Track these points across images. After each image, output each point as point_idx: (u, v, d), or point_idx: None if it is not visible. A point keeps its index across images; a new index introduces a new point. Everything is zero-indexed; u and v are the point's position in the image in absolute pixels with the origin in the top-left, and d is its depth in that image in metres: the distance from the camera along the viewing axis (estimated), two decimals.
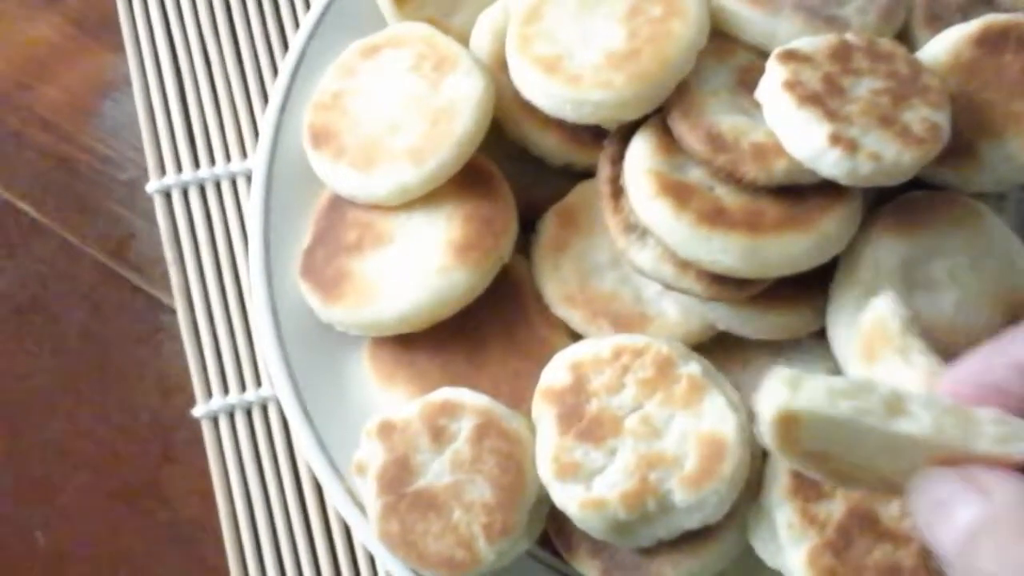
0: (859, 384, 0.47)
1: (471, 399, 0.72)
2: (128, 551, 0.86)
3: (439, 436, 0.71)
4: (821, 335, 0.74)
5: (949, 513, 0.46)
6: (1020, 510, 0.44)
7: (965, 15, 0.78)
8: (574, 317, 0.77)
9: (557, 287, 0.78)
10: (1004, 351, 0.50)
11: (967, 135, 0.73)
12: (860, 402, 0.46)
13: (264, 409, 0.88)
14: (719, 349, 0.76)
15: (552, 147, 0.80)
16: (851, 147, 0.66)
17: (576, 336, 0.77)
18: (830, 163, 0.67)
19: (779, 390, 0.46)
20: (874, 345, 0.55)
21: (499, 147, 0.81)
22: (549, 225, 0.80)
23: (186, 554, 0.86)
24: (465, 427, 0.71)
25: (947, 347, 0.68)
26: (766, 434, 0.48)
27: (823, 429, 0.46)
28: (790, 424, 0.46)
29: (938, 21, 0.78)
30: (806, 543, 0.66)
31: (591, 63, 0.73)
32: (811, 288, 0.73)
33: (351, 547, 0.85)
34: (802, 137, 0.68)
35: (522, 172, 0.82)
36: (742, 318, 0.74)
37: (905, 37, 0.78)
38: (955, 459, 0.46)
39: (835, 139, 0.66)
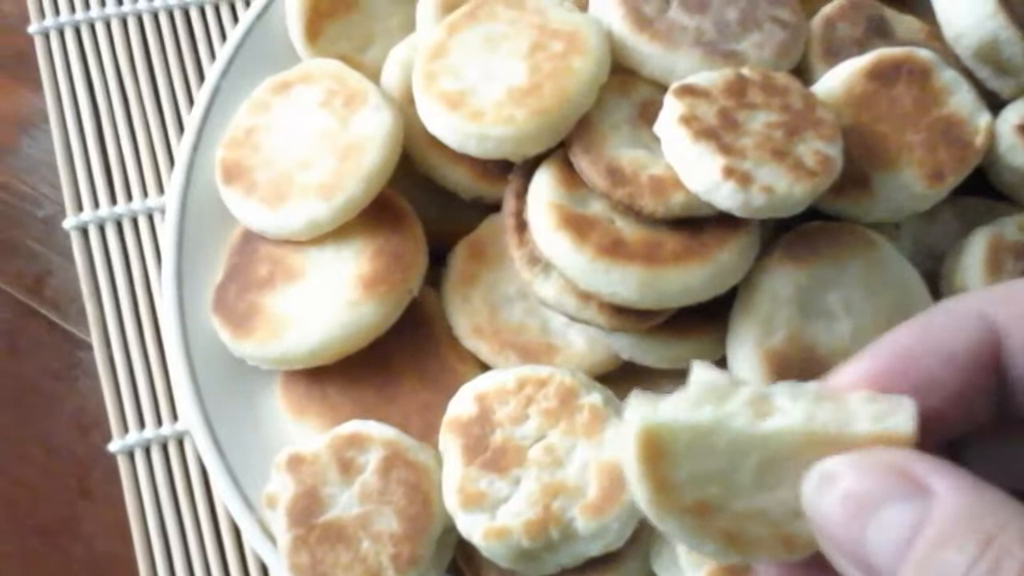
0: (720, 388, 0.45)
1: (378, 431, 0.73)
2: None
3: (347, 468, 0.72)
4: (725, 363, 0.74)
5: (876, 514, 0.37)
6: (971, 508, 0.36)
7: (861, 49, 0.79)
8: (483, 349, 0.78)
9: (466, 319, 0.79)
10: (927, 338, 0.42)
11: (862, 166, 0.75)
12: (722, 407, 0.44)
13: (180, 444, 0.87)
14: (626, 379, 0.76)
15: (462, 181, 0.81)
16: (744, 180, 0.68)
17: (486, 368, 0.78)
18: (724, 196, 0.68)
19: (639, 408, 0.44)
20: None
21: (411, 180, 0.82)
22: (459, 258, 0.81)
23: None
24: (373, 459, 0.72)
25: None
26: (635, 480, 0.45)
27: (692, 456, 0.45)
28: (656, 456, 0.45)
29: (835, 55, 0.80)
30: (706, 567, 0.67)
31: (493, 99, 0.74)
32: (713, 318, 0.74)
33: None
34: (697, 170, 0.69)
35: (433, 205, 0.83)
36: (645, 348, 0.75)
37: (803, 71, 0.80)
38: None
39: (729, 172, 0.68)
